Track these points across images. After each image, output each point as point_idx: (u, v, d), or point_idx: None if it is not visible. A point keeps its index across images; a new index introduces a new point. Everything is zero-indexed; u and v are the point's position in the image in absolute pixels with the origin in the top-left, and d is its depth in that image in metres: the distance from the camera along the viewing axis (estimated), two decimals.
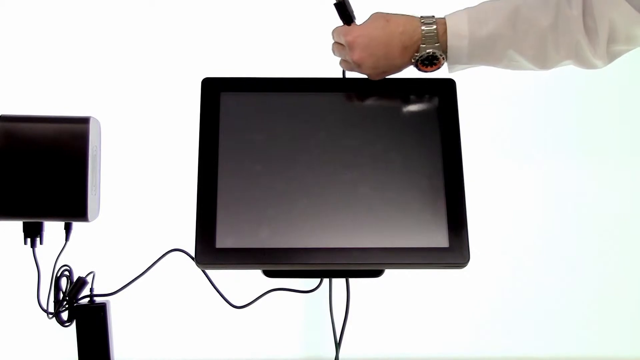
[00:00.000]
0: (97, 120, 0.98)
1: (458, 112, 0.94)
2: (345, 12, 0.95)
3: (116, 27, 1.40)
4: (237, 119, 0.93)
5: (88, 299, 1.02)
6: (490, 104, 1.41)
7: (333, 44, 0.97)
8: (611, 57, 0.92)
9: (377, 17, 0.93)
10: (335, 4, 0.95)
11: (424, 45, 0.90)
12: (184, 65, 1.38)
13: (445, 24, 0.90)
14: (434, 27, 0.90)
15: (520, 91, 1.42)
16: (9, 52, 1.39)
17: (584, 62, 0.92)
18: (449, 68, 0.94)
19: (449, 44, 0.90)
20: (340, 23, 0.95)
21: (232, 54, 1.38)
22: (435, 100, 0.94)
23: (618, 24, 0.88)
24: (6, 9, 1.40)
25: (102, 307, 1.01)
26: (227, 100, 0.94)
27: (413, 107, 0.94)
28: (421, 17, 0.91)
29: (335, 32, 0.96)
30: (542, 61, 0.92)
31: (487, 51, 0.91)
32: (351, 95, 0.95)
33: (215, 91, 0.94)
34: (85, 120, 0.94)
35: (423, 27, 0.90)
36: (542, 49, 0.91)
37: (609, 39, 0.89)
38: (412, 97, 0.95)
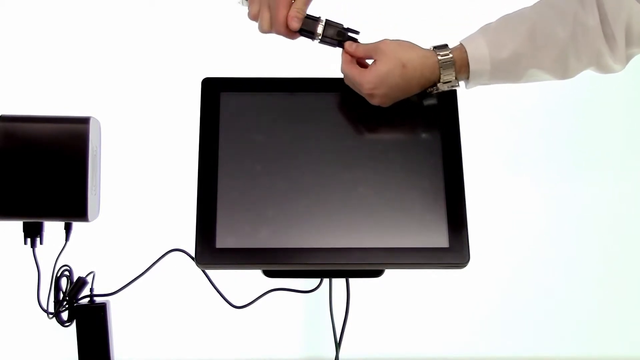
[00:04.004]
0: (97, 120, 0.98)
1: (458, 113, 0.94)
2: (338, 39, 0.92)
3: (116, 27, 1.40)
4: (237, 119, 0.93)
5: (88, 299, 1.02)
6: (491, 106, 1.41)
7: (346, 81, 0.93)
8: (627, 60, 0.93)
9: (390, 60, 0.88)
10: (321, 39, 0.92)
11: (442, 83, 0.90)
12: (184, 65, 1.38)
13: (462, 50, 0.89)
14: (450, 55, 0.89)
15: (522, 93, 1.42)
16: (9, 52, 1.39)
17: (604, 68, 0.93)
18: (466, 86, 0.94)
19: (471, 69, 0.89)
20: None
21: (232, 54, 1.38)
22: (436, 100, 0.94)
23: (633, 26, 0.89)
24: (6, 9, 1.40)
25: (102, 307, 1.01)
26: (227, 100, 0.94)
27: (413, 107, 0.94)
28: (434, 48, 0.90)
29: (347, 79, 0.93)
30: (563, 72, 0.92)
31: (509, 71, 0.91)
32: (351, 95, 0.94)
33: (215, 91, 0.94)
34: (85, 120, 0.94)
35: (439, 58, 0.89)
36: (563, 61, 0.91)
37: (626, 42, 0.90)
38: (412, 97, 0.94)
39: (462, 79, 0.91)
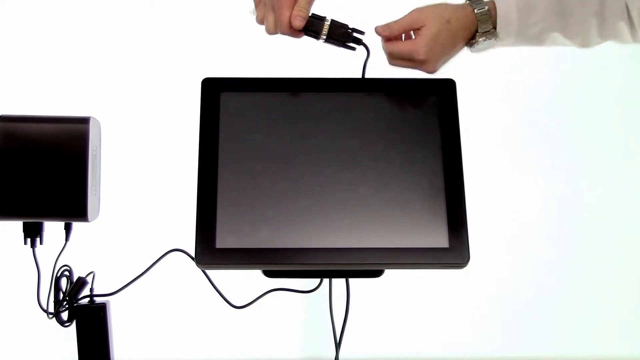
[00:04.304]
0: (97, 120, 0.98)
1: (458, 112, 0.94)
2: (342, 39, 0.94)
3: (116, 27, 1.40)
4: (237, 119, 0.93)
5: (88, 299, 1.02)
6: (491, 104, 1.41)
7: (392, 60, 0.95)
8: None
9: (436, 20, 0.91)
10: (325, 39, 0.94)
11: (481, 33, 0.93)
12: (184, 65, 1.38)
13: (493, 6, 0.92)
14: (486, 8, 0.92)
15: (522, 90, 1.42)
16: (9, 52, 1.39)
17: (622, 42, 0.96)
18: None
19: (498, 29, 0.92)
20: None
21: (232, 54, 1.38)
22: (436, 100, 0.94)
23: None
24: (6, 9, 1.40)
25: (102, 307, 1.01)
26: (227, 100, 0.94)
27: (413, 107, 0.94)
28: (469, 3, 0.93)
29: (395, 55, 0.94)
30: (584, 44, 0.96)
31: (534, 36, 0.94)
32: (351, 95, 0.95)
33: (215, 91, 0.94)
34: (85, 120, 0.94)
35: (476, 11, 0.92)
36: (586, 34, 0.94)
37: None
38: (412, 97, 0.94)
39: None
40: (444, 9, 0.92)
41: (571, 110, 1.44)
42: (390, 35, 0.94)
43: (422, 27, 0.91)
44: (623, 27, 0.93)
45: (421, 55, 0.91)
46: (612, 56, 1.35)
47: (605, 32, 0.94)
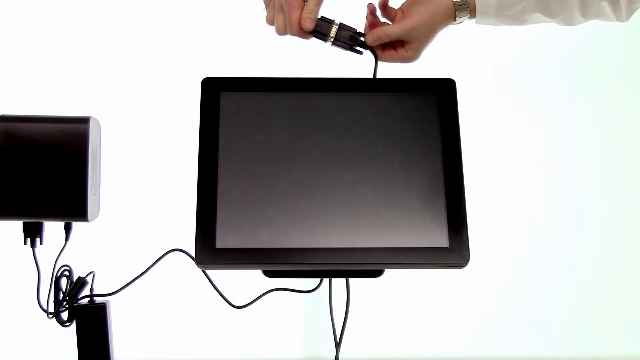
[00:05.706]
0: (97, 120, 0.98)
1: (458, 112, 0.94)
2: (349, 43, 0.95)
3: (116, 27, 1.40)
4: (237, 119, 0.93)
5: (88, 299, 1.02)
6: (491, 103, 1.41)
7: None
8: (631, 14, 0.96)
9: (426, 37, 0.95)
10: (333, 42, 0.95)
11: (457, 22, 0.95)
12: (184, 65, 1.38)
13: None
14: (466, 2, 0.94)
15: (520, 88, 1.42)
16: (9, 52, 1.39)
17: (606, 20, 0.97)
18: (476, 21, 0.97)
19: (477, 12, 0.94)
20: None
21: (232, 54, 1.38)
22: (435, 100, 0.94)
23: None
24: (6, 9, 1.40)
25: (102, 307, 1.01)
26: (227, 100, 0.94)
27: (413, 107, 0.94)
28: None
29: (389, 60, 0.98)
30: (568, 23, 0.97)
31: (515, 16, 0.95)
32: (351, 95, 0.95)
33: (215, 91, 0.94)
34: (85, 120, 0.94)
35: (456, 6, 0.94)
36: (568, 14, 0.94)
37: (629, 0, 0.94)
38: (412, 96, 0.95)
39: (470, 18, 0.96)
40: (433, 21, 0.94)
41: (572, 106, 1.44)
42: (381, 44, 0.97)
43: (413, 41, 0.95)
44: (605, 7, 0.93)
45: (414, 62, 0.97)
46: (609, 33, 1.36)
47: (588, 12, 0.94)
